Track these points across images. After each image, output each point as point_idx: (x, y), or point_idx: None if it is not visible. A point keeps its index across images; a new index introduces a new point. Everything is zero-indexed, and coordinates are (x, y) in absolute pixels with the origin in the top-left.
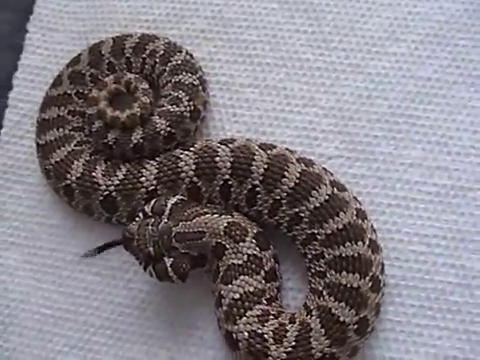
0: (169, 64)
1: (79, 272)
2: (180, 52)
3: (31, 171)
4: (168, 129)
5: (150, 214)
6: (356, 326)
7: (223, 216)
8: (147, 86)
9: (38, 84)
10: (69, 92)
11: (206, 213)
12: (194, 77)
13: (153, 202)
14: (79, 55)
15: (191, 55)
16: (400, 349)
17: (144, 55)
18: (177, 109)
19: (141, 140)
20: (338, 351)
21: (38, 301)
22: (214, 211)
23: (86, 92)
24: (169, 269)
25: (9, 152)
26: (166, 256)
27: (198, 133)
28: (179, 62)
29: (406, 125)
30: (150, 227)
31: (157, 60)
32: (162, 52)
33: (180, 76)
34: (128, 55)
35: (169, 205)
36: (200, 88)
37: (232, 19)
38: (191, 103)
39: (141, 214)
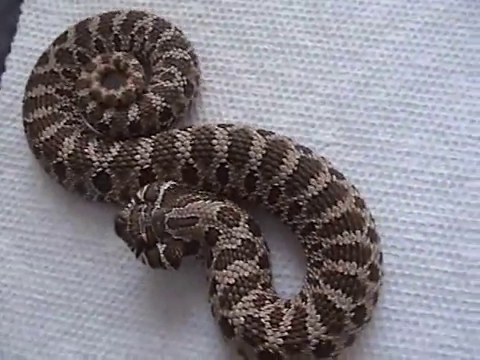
0: (159, 40)
1: (72, 257)
2: (169, 28)
3: (23, 154)
4: (163, 105)
5: (143, 200)
6: (353, 314)
7: (215, 202)
8: (137, 62)
9: (31, 66)
10: (56, 70)
11: (199, 199)
12: (185, 52)
13: (146, 188)
14: (65, 33)
15: (180, 31)
16: (395, 338)
17: (133, 32)
18: (171, 84)
19: (138, 117)
20: (334, 339)
21: (30, 286)
22: (206, 197)
23: (73, 71)
24: (162, 255)
25: (1, 135)
26: (159, 242)
27: (194, 115)
28: (169, 38)
29: (404, 113)
30: (143, 213)
31: (146, 37)
32: (151, 29)
33: (171, 52)
34: (116, 32)
35: (162, 191)
36: (192, 63)
37: (230, 4)
38: (184, 78)
39: (133, 200)
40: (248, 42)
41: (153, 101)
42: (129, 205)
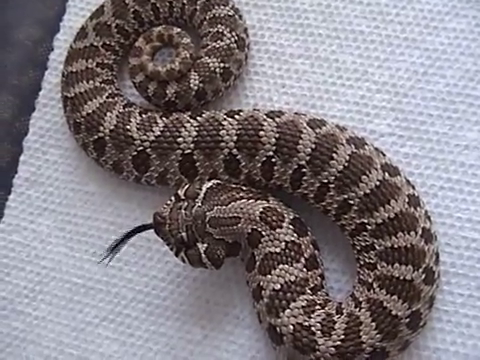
0: (198, 2)
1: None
2: None
3: (68, 135)
4: (222, 65)
5: (183, 197)
6: (408, 320)
7: (259, 201)
8: (179, 30)
9: None
10: (96, 44)
11: (242, 197)
12: (227, 8)
13: (187, 186)
14: (102, 6)
15: None
16: (446, 340)
17: None
18: (222, 43)
19: (201, 85)
20: (389, 345)
21: (70, 270)
22: (250, 195)
23: (113, 44)
24: (203, 255)
25: (46, 115)
26: (199, 242)
27: (244, 100)
28: None
29: (463, 105)
30: (183, 211)
31: (184, 1)
32: None
33: (213, 10)
34: (153, 1)
35: (204, 189)
36: (236, 17)
37: None
38: (233, 34)
39: (173, 197)
40: (302, 26)
41: (210, 64)
42: (168, 202)
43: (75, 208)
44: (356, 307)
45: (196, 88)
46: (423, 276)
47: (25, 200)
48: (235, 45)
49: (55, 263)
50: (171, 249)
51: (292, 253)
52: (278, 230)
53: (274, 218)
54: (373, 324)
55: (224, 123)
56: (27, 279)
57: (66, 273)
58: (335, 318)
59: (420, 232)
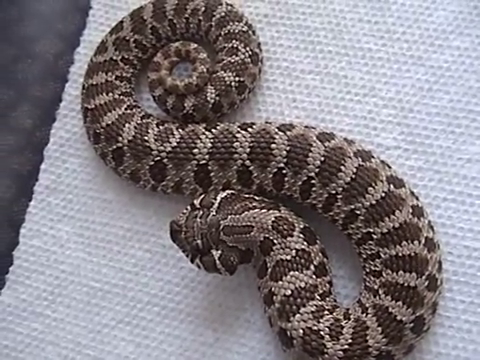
0: (214, 19)
1: (130, 248)
2: (220, 5)
3: (87, 145)
4: (237, 79)
5: (198, 206)
6: (412, 325)
7: (271, 211)
8: (196, 45)
9: None
10: (115, 58)
11: (255, 207)
12: (242, 24)
13: (202, 196)
14: (121, 22)
15: (231, 4)
16: (448, 344)
17: (186, 15)
18: (237, 58)
19: (217, 98)
20: (394, 349)
21: (87, 274)
22: (262, 205)
23: (131, 58)
24: (217, 262)
25: (67, 125)
26: (214, 249)
27: (257, 114)
28: (223, 14)
29: (466, 120)
30: (198, 219)
31: (201, 18)
32: (203, 9)
33: (228, 27)
34: (170, 17)
35: (218, 199)
36: (250, 32)
37: (296, 5)
38: (248, 49)
39: (189, 206)
40: (313, 43)
41: (226, 78)
42: (184, 211)
43: (93, 215)
44: (363, 312)
45: (213, 101)
46: (426, 283)
47: (45, 207)
48: (249, 60)
49: (74, 267)
50: (187, 256)
51: (302, 261)
52: (289, 238)
53: (285, 227)
54: (379, 329)
55: (238, 135)
56: (46, 282)
57: (84, 277)
58: (343, 323)
59: (423, 241)
